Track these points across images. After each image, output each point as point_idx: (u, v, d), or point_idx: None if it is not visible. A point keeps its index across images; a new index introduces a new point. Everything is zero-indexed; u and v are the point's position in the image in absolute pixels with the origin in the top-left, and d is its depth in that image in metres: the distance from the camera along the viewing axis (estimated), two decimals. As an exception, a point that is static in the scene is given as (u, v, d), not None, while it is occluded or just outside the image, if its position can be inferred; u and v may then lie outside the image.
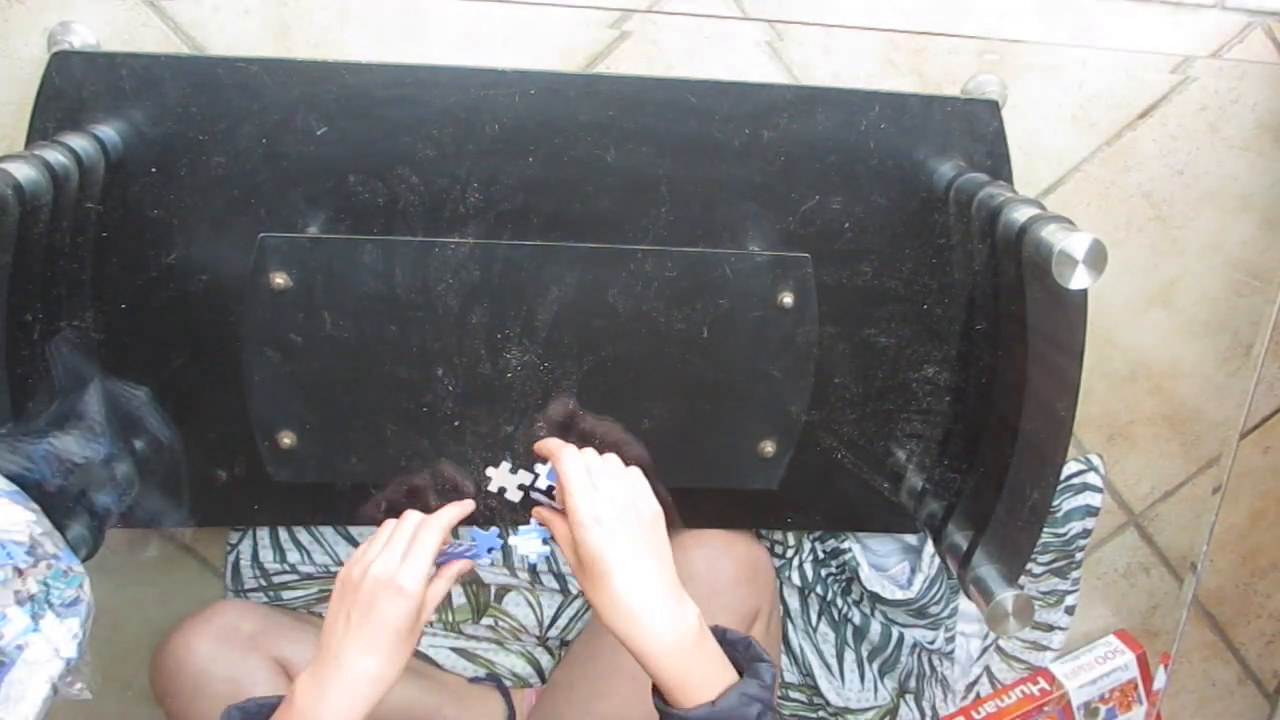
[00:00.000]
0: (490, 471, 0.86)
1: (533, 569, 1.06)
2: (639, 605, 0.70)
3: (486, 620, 1.10)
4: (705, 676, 0.69)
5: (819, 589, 1.11)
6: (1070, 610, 1.19)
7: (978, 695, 1.20)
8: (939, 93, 0.96)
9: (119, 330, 0.86)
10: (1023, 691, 1.20)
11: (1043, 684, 1.20)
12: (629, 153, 0.87)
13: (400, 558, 0.72)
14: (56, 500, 0.80)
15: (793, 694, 1.16)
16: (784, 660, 1.13)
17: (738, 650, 0.73)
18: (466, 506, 0.79)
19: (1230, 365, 1.12)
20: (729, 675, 0.70)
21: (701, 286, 0.89)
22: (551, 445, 0.78)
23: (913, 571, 1.08)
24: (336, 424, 0.90)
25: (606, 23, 0.92)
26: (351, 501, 0.93)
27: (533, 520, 0.80)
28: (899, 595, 1.06)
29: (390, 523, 0.77)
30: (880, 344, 0.94)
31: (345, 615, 0.71)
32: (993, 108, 0.91)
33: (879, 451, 0.98)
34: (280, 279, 0.84)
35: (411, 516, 0.76)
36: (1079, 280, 0.71)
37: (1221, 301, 1.09)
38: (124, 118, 0.82)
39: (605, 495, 0.73)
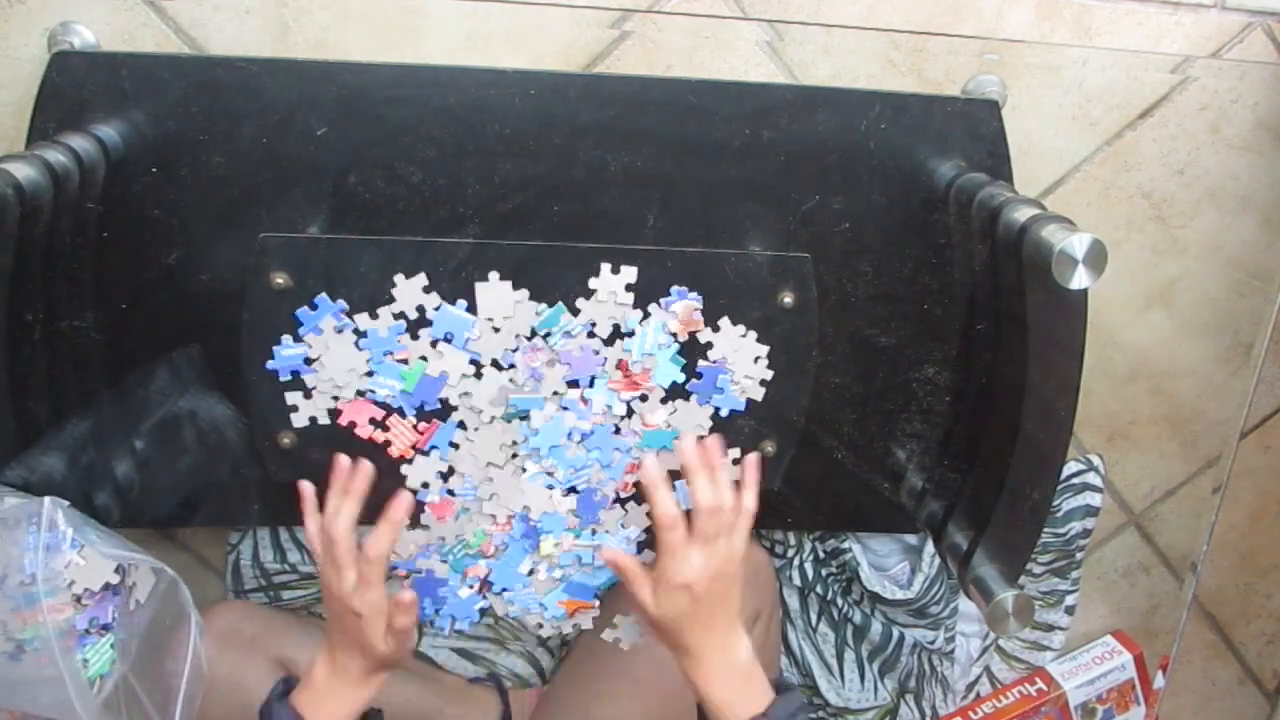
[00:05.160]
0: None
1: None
2: (699, 647, 0.75)
3: (486, 620, 1.10)
4: (753, 697, 0.74)
5: (819, 589, 1.11)
6: (1070, 610, 1.19)
7: (978, 695, 1.20)
8: (939, 93, 0.96)
9: (119, 330, 0.86)
10: (1020, 692, 1.20)
11: (1040, 684, 1.20)
12: (629, 152, 0.87)
13: (351, 585, 0.75)
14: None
15: (793, 694, 1.16)
16: (784, 660, 1.13)
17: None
18: (404, 505, 0.78)
19: (1230, 365, 1.12)
20: (770, 694, 0.75)
21: (701, 286, 0.89)
22: (652, 476, 0.77)
23: (913, 571, 1.08)
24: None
25: (606, 23, 0.92)
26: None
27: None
28: (899, 595, 1.06)
29: (322, 530, 0.78)
30: (880, 344, 0.94)
31: (333, 620, 0.77)
32: (993, 108, 0.91)
33: (879, 451, 0.98)
34: (280, 279, 0.84)
35: (344, 536, 0.76)
36: (1079, 280, 0.71)
37: (1221, 301, 1.09)
38: (124, 118, 0.82)
39: (701, 564, 0.75)
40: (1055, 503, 1.12)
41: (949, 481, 0.95)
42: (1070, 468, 1.13)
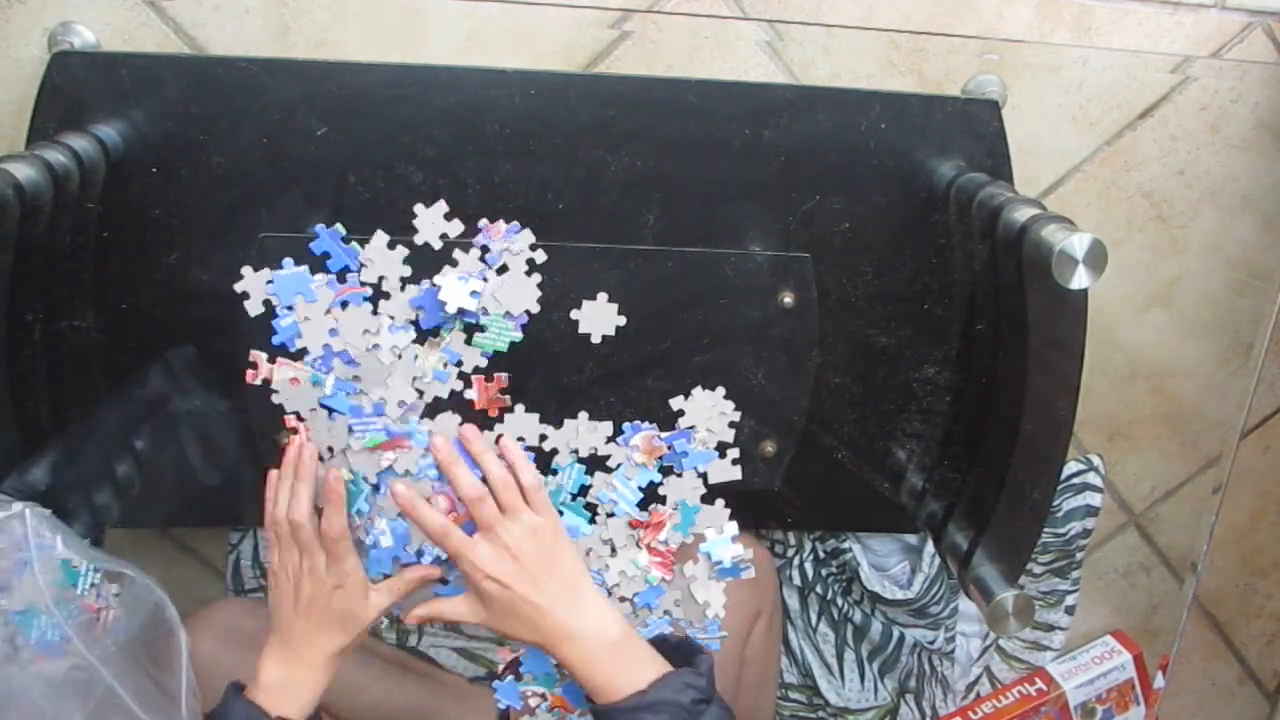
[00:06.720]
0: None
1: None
2: (548, 629, 0.73)
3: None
4: (635, 672, 0.71)
5: (819, 589, 1.11)
6: (1070, 610, 1.19)
7: (978, 695, 1.20)
8: (939, 93, 0.96)
9: (119, 330, 0.86)
10: (1020, 692, 1.20)
11: (1040, 684, 1.20)
12: (629, 152, 0.87)
13: (325, 565, 0.73)
14: (56, 500, 0.80)
15: (793, 694, 1.16)
16: (784, 660, 1.13)
17: (676, 648, 0.76)
18: (336, 484, 0.74)
19: (1230, 365, 1.12)
20: (662, 668, 0.72)
21: (702, 286, 0.89)
22: (407, 501, 0.74)
23: (913, 571, 1.08)
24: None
25: (606, 23, 0.92)
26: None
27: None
28: (899, 595, 1.06)
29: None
30: (880, 344, 0.94)
31: (293, 596, 0.74)
32: (993, 108, 0.91)
33: (879, 451, 0.98)
34: (280, 279, 0.84)
35: (308, 519, 0.73)
36: (1079, 280, 0.71)
37: (1221, 301, 1.09)
38: (124, 118, 0.82)
39: (490, 551, 0.73)
40: (1055, 503, 1.12)
41: (949, 481, 0.95)
42: (1070, 468, 1.13)
